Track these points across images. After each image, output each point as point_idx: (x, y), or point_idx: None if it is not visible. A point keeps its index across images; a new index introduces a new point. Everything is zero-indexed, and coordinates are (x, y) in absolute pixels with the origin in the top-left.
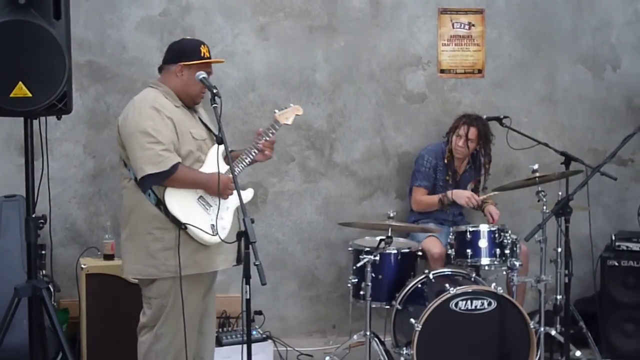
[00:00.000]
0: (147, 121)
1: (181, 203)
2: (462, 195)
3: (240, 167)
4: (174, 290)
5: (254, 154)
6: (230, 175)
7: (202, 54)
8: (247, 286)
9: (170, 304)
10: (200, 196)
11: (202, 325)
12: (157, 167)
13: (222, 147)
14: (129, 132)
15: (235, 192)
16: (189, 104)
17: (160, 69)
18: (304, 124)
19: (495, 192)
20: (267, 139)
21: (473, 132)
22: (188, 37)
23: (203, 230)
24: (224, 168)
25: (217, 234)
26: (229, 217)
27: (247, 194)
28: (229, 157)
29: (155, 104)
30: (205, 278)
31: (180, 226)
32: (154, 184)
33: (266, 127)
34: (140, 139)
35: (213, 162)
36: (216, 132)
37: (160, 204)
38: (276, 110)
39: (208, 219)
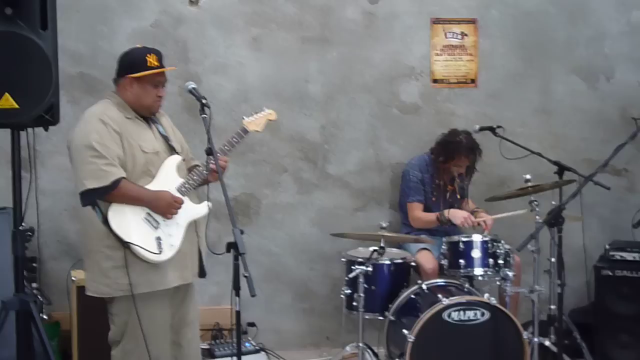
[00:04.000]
0: (92, 134)
1: (125, 221)
2: (459, 216)
3: (188, 186)
4: (133, 307)
5: (205, 173)
6: (175, 184)
7: (149, 64)
8: (237, 298)
9: (132, 320)
10: (148, 213)
11: (180, 337)
12: (98, 181)
13: (175, 158)
14: (74, 145)
15: (184, 208)
16: (146, 114)
17: (115, 81)
18: (297, 135)
19: (492, 217)
20: (226, 149)
21: (472, 159)
22: (137, 46)
23: (146, 250)
24: (176, 182)
25: (161, 252)
26: (179, 234)
27: (201, 209)
28: (218, 169)
29: (104, 116)
30: (167, 293)
31: (124, 245)
32: (95, 198)
33: (231, 136)
34: (83, 153)
35: (165, 176)
36: (177, 145)
37: (106, 221)
38: (244, 117)
39: (153, 237)
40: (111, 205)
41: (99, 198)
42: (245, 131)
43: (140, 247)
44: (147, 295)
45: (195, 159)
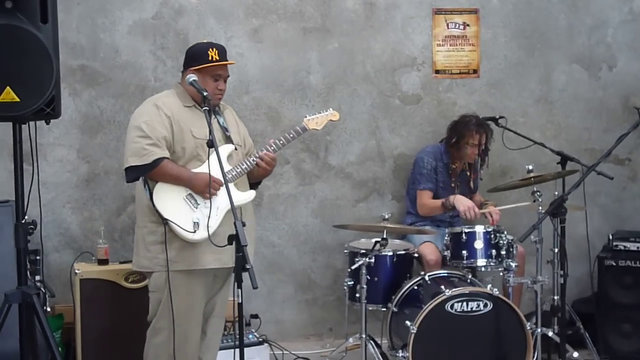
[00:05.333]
0: (143, 116)
1: (167, 199)
2: (464, 203)
3: (235, 174)
4: (169, 284)
5: (249, 165)
6: (217, 176)
7: (210, 58)
8: (240, 290)
9: (165, 298)
10: (189, 193)
11: (207, 326)
12: (139, 159)
13: (228, 147)
14: (129, 126)
15: (226, 194)
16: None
17: (182, 73)
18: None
19: (498, 208)
20: (281, 143)
21: (484, 138)
22: (204, 41)
23: (182, 228)
24: (225, 168)
25: (196, 231)
26: (217, 218)
27: (247, 196)
28: (220, 160)
29: (159, 101)
30: (205, 277)
31: (163, 221)
32: (137, 175)
33: (288, 131)
34: (132, 133)
35: (214, 163)
36: (236, 137)
37: (152, 198)
38: (307, 115)
39: (191, 217)
40: (157, 183)
41: (141, 175)
42: (304, 129)
43: (176, 224)
44: (183, 274)
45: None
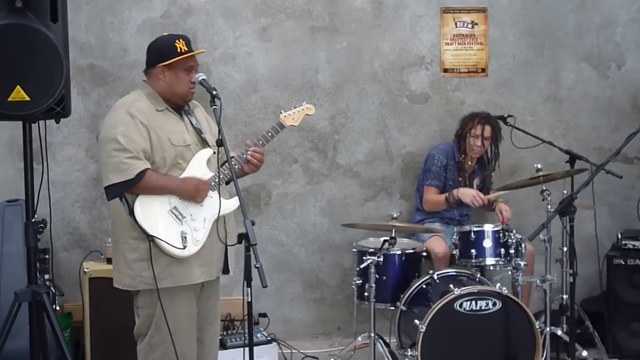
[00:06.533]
0: (118, 127)
1: (150, 214)
2: (468, 194)
3: (221, 179)
4: (158, 301)
5: (236, 167)
6: (205, 178)
7: (179, 50)
8: (249, 289)
9: (158, 313)
10: (174, 206)
11: (203, 334)
12: (122, 175)
13: (207, 152)
14: (101, 137)
15: (212, 203)
16: (180, 104)
17: (146, 72)
18: (307, 125)
19: (503, 192)
20: (260, 143)
21: (488, 130)
22: (165, 34)
23: (170, 244)
24: (206, 176)
25: (185, 247)
26: (205, 229)
27: (230, 204)
28: (229, 161)
29: (132, 108)
30: (194, 288)
31: (148, 238)
32: (121, 192)
33: (266, 130)
34: (108, 146)
35: (195, 168)
36: (213, 136)
37: (132, 213)
38: (282, 112)
39: (179, 231)
40: (138, 197)
41: (125, 191)
42: (282, 126)
43: (164, 241)
44: (171, 290)
45: (232, 151)
